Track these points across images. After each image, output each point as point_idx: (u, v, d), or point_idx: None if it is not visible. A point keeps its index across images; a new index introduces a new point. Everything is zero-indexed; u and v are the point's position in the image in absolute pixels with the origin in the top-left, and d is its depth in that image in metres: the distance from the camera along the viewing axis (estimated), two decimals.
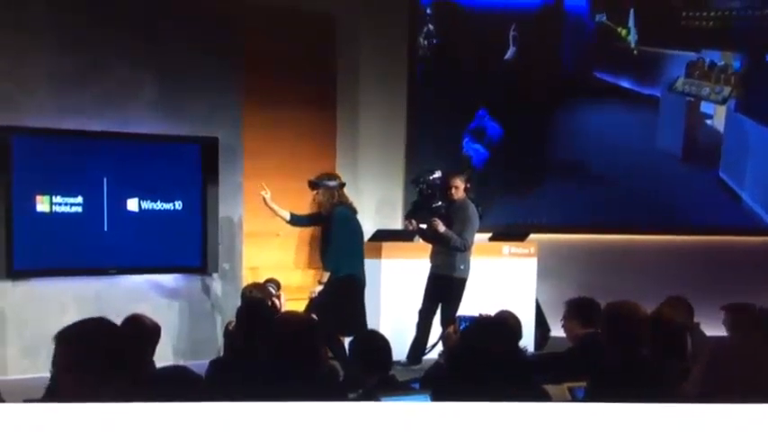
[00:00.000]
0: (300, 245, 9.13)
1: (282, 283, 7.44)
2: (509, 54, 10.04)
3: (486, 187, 9.14)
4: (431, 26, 9.94)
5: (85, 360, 2.53)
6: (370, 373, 3.97)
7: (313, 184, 7.66)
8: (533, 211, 9.98)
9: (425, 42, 9.94)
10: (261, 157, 8.76)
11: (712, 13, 9.97)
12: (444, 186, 8.13)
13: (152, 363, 3.98)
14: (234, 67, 8.46)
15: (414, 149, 9.95)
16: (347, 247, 7.59)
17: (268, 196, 7.76)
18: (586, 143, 10.19)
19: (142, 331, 4.08)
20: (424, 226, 8.17)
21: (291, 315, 4.93)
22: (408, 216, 8.41)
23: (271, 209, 7.79)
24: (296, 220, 7.89)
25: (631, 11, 9.99)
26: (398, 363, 7.15)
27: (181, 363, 7.27)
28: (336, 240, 7.52)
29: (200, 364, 5.09)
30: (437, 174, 8.28)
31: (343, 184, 7.73)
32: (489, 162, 10.00)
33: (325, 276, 7.54)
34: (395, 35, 9.86)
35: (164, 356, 7.67)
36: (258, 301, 5.73)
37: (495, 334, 3.40)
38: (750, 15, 9.97)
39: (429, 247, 8.24)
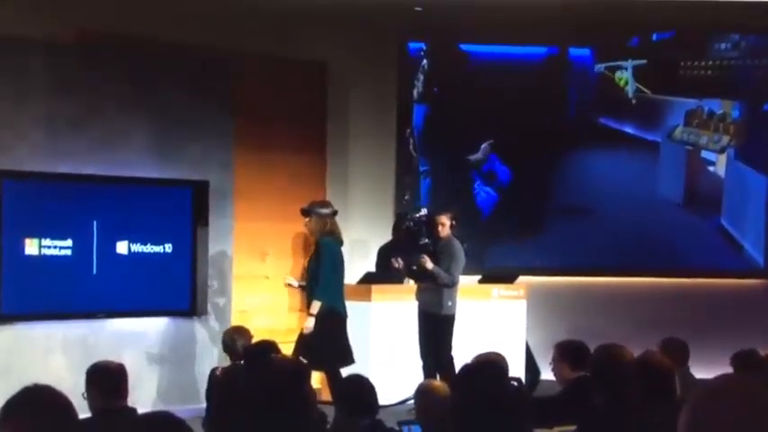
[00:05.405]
0: (290, 288, 9.11)
1: (272, 325, 7.42)
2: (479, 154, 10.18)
3: (492, 230, 9.26)
4: (425, 67, 10.06)
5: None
6: (358, 417, 3.95)
7: (305, 212, 7.77)
8: (534, 253, 10.01)
9: (431, 89, 10.08)
10: (251, 200, 8.77)
11: (710, 62, 10.05)
12: (430, 224, 8.16)
13: (134, 410, 3.94)
14: (225, 111, 8.49)
15: (403, 192, 10.01)
16: (335, 278, 7.69)
17: (296, 284, 8.16)
18: (588, 187, 10.25)
19: (107, 378, 4.04)
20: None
21: (281, 360, 4.91)
22: (395, 254, 8.43)
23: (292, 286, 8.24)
24: None
25: (629, 60, 10.08)
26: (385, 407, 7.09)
27: (168, 408, 7.22)
28: (325, 271, 7.63)
29: (187, 410, 5.06)
30: (423, 211, 8.34)
31: (335, 212, 7.80)
32: (498, 205, 10.08)
33: (314, 307, 7.56)
34: (386, 78, 9.93)
35: (150, 401, 7.64)
36: (258, 345, 5.68)
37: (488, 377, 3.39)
38: (749, 65, 10.02)
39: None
